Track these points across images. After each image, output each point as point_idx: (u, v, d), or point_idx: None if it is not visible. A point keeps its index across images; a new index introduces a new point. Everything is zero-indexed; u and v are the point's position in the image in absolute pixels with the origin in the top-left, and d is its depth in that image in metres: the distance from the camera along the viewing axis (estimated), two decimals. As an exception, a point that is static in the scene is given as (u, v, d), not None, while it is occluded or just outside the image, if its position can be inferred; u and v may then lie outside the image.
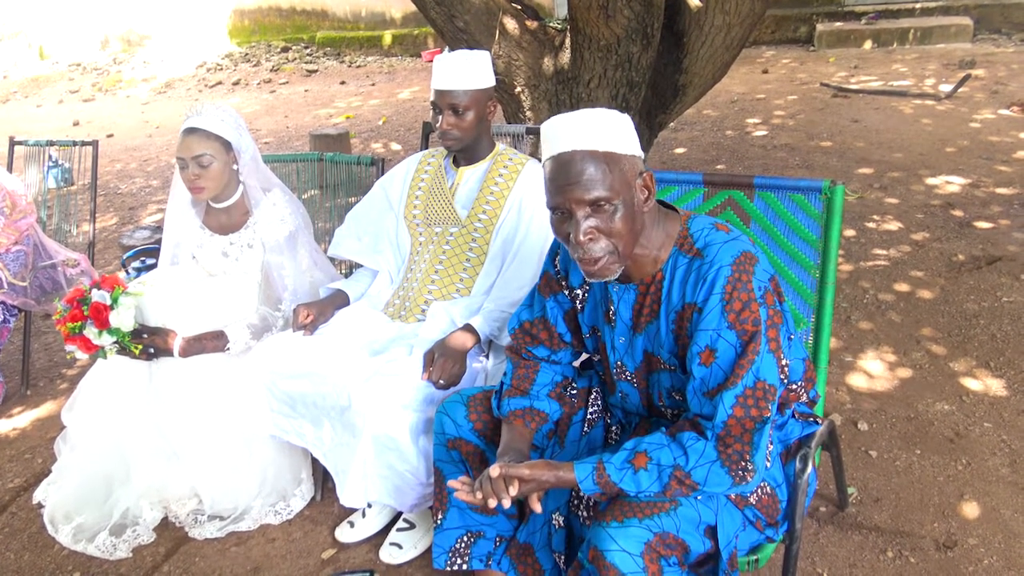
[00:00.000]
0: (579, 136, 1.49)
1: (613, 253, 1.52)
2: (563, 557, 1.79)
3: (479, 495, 1.58)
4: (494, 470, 1.56)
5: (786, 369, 1.61)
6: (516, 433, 1.78)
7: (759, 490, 1.64)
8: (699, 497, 1.55)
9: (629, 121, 1.55)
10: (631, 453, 1.52)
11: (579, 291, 1.78)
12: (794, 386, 1.75)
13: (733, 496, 1.60)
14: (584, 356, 1.92)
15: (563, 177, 1.49)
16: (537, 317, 1.86)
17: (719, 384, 1.49)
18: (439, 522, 1.91)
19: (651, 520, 1.48)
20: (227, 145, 2.39)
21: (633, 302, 1.65)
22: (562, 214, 1.52)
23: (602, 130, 1.50)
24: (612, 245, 1.51)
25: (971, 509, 2.27)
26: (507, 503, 1.54)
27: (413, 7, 4.27)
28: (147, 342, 2.28)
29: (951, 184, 4.78)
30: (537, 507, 1.59)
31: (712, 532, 1.56)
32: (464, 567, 1.90)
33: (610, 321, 1.71)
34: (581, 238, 1.49)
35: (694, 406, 1.54)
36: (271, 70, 11.23)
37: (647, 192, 1.55)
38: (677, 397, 1.68)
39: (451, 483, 1.64)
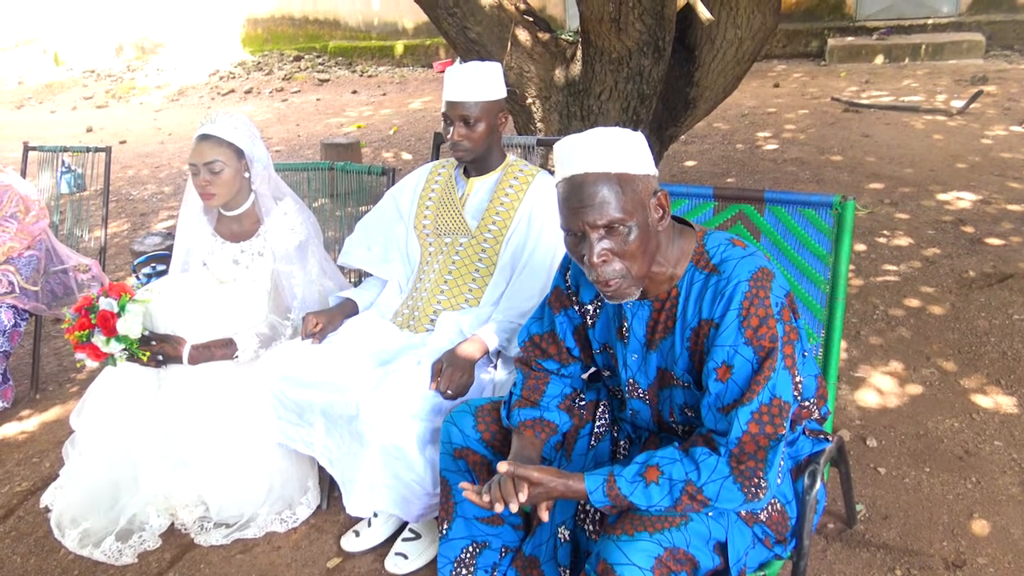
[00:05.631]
0: (592, 158, 1.48)
1: (627, 276, 1.51)
2: (568, 571, 1.78)
3: (487, 498, 1.57)
4: (503, 467, 1.56)
5: (800, 386, 1.60)
6: (526, 442, 1.78)
7: (769, 507, 1.63)
8: (710, 513, 1.54)
9: (643, 139, 1.53)
10: (642, 466, 1.51)
11: (590, 307, 1.78)
12: (807, 403, 1.74)
13: (744, 513, 1.59)
14: (593, 368, 1.91)
15: (576, 200, 1.48)
16: (547, 331, 1.86)
17: (735, 400, 1.48)
18: (445, 532, 1.90)
19: (662, 535, 1.48)
20: (239, 153, 2.40)
21: (647, 318, 1.65)
22: (576, 236, 1.51)
23: (615, 151, 1.48)
24: (625, 268, 1.50)
25: (980, 528, 2.25)
26: (514, 507, 1.53)
27: (425, 18, 4.29)
28: (156, 349, 2.29)
29: (962, 200, 4.76)
30: (545, 516, 1.59)
31: (722, 548, 1.55)
32: (469, 578, 1.89)
33: (623, 338, 1.70)
34: (595, 260, 1.49)
35: (708, 422, 1.53)
36: (283, 79, 11.31)
37: (662, 211, 1.54)
38: (689, 413, 1.67)
39: (461, 484, 1.65)
